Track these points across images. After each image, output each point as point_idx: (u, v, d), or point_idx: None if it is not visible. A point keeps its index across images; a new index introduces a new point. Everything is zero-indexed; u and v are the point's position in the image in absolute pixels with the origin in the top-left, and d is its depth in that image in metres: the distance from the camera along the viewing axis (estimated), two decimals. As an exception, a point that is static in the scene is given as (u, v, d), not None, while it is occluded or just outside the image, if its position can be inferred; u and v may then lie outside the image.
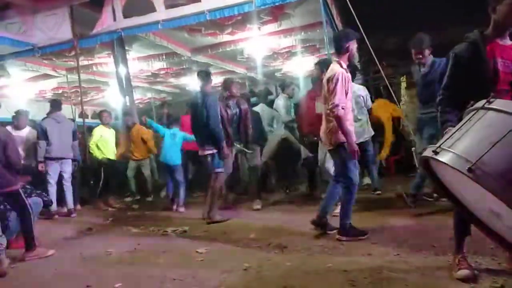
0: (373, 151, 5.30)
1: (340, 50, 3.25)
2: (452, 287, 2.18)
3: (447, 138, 1.70)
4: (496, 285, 2.13)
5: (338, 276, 2.47)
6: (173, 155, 5.56)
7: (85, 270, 3.08)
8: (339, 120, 3.14)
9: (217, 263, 2.95)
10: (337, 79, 3.12)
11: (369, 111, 5.12)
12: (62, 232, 4.42)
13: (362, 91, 5.06)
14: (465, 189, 1.65)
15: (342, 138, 3.22)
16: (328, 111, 3.24)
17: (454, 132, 1.70)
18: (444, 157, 1.60)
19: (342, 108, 3.13)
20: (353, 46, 3.24)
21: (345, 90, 3.19)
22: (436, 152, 1.64)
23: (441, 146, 1.65)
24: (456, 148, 1.59)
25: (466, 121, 1.73)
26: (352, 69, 5.18)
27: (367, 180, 5.77)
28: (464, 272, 2.23)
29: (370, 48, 6.37)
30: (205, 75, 4.76)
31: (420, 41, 4.02)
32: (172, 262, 3.11)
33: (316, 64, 4.37)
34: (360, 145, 5.06)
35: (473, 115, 1.71)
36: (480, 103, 1.70)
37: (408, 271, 2.46)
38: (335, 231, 3.41)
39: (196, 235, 3.97)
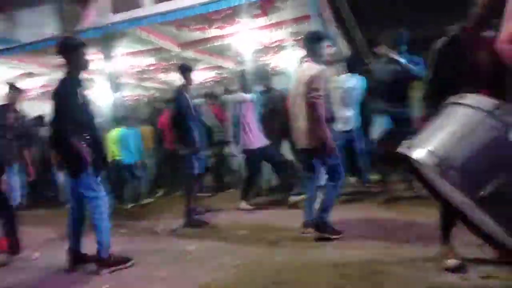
0: (361, 143, 5.03)
1: (313, 50, 3.22)
2: (441, 277, 2.20)
3: (420, 133, 1.73)
4: (484, 275, 2.16)
5: (329, 270, 2.48)
6: (129, 154, 5.74)
7: (73, 271, 3.03)
8: (319, 110, 3.01)
9: (207, 260, 2.94)
10: (324, 78, 3.10)
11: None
12: (48, 233, 4.35)
13: (350, 81, 4.70)
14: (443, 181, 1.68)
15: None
16: (308, 102, 3.07)
17: (427, 127, 1.73)
18: (414, 153, 1.63)
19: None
20: (324, 47, 3.26)
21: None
22: (408, 147, 1.67)
23: (413, 141, 1.69)
24: (425, 144, 1.62)
25: (440, 116, 1.74)
26: (350, 61, 5.08)
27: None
28: (452, 262, 2.26)
29: (363, 40, 6.38)
30: (181, 69, 4.56)
31: (398, 37, 3.95)
32: (162, 260, 3.08)
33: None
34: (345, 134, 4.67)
35: (446, 110, 1.72)
36: (453, 98, 1.72)
37: (398, 263, 2.48)
38: None
39: (185, 233, 3.94)
